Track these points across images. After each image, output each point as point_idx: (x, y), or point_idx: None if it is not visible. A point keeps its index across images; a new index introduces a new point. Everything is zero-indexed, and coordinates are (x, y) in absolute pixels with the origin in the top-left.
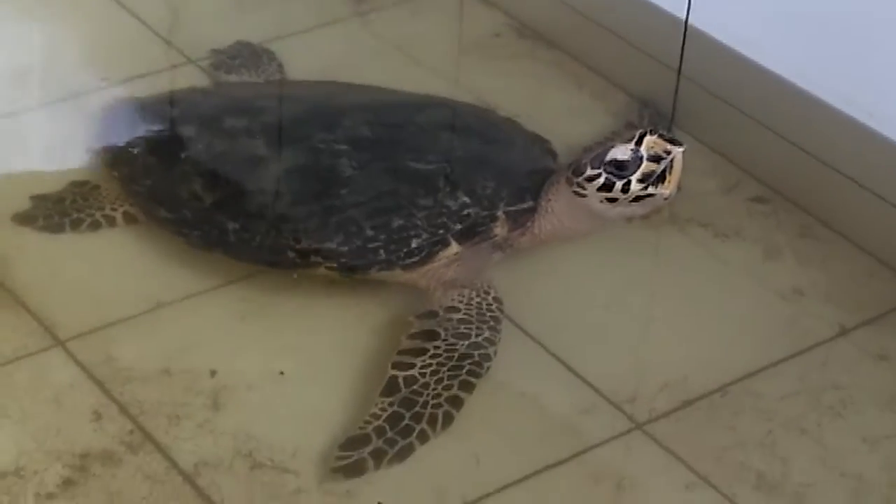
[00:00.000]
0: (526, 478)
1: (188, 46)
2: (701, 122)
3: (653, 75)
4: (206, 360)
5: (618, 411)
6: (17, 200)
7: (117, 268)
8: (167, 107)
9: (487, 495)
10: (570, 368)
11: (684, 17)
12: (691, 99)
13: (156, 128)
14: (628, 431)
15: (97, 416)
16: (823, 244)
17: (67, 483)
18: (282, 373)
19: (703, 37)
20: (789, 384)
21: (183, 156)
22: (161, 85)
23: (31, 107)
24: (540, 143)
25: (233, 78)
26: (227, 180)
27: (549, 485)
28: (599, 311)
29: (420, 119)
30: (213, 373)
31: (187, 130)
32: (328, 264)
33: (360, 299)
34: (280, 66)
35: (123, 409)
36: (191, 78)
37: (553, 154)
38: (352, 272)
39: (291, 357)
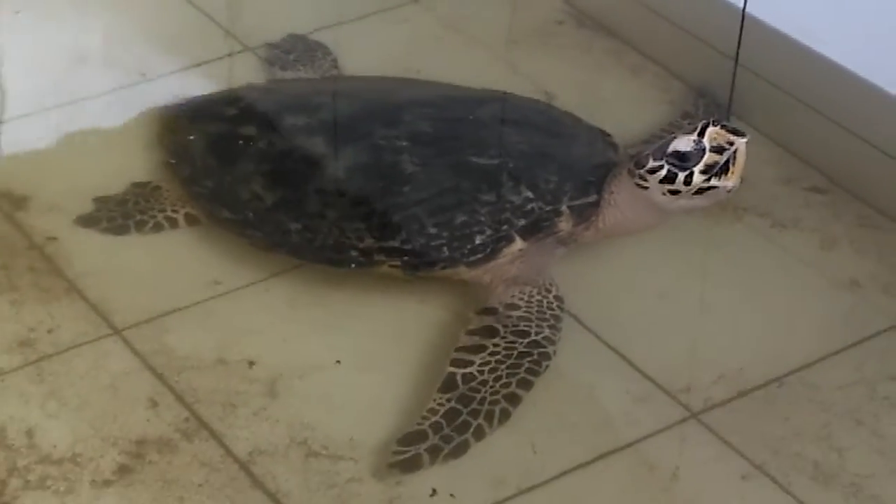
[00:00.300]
0: (581, 466)
1: (246, 34)
2: (758, 112)
3: (710, 64)
4: (261, 348)
5: (673, 401)
6: (80, 199)
7: (173, 258)
8: (225, 106)
9: (543, 483)
10: (625, 358)
11: (742, 5)
12: (748, 88)
13: (215, 127)
14: (684, 420)
15: (153, 404)
16: (881, 234)
17: (123, 470)
18: (338, 362)
19: (760, 25)
20: (846, 375)
21: (243, 156)
22: (220, 73)
23: (89, 96)
24: (601, 136)
25: (288, 74)
26: (287, 180)
27: (604, 473)
28: (655, 302)
29: (480, 114)
30: (265, 362)
31: (247, 130)
32: (392, 262)
33: (416, 292)
34: (335, 60)
35: (179, 397)
36: (248, 67)
37: (615, 146)
38: (415, 270)
39: (347, 347)
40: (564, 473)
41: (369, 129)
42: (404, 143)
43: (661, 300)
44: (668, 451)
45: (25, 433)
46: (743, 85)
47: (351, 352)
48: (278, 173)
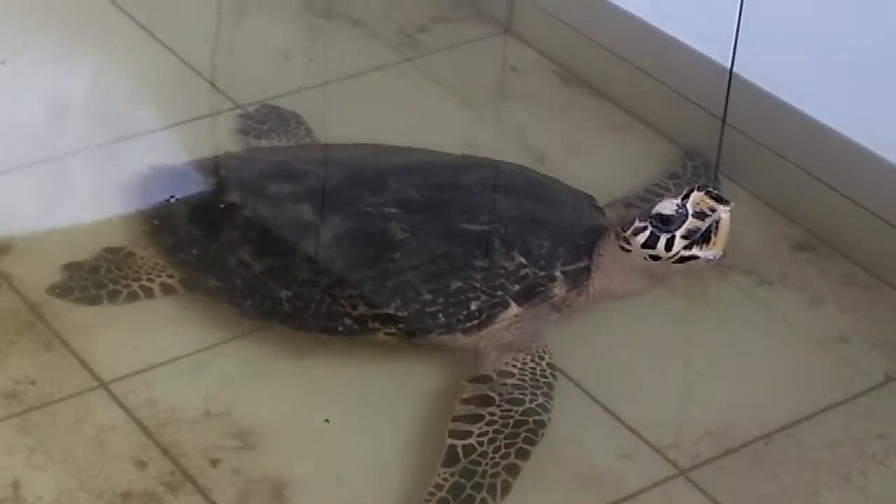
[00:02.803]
0: None
1: (233, 92)
2: (746, 170)
3: (698, 124)
4: (247, 403)
5: (661, 457)
6: (49, 264)
7: (159, 311)
8: (207, 174)
9: None
10: (613, 414)
11: (729, 65)
12: (736, 147)
13: (196, 195)
14: (672, 478)
15: (138, 457)
16: (868, 292)
17: None
18: (326, 420)
19: (747, 85)
20: (833, 433)
21: (228, 223)
22: (204, 131)
23: (68, 152)
24: (587, 200)
25: (263, 142)
26: (276, 247)
27: None
28: (642, 358)
29: (466, 180)
30: (251, 417)
31: (231, 197)
32: (387, 330)
33: (406, 352)
34: (308, 128)
35: (164, 451)
36: (232, 126)
37: (601, 210)
38: (411, 337)
39: (336, 406)
40: None
41: (356, 196)
42: (393, 210)
43: (649, 358)
44: None
45: (11, 485)
46: (731, 144)
47: (339, 411)
48: (265, 241)
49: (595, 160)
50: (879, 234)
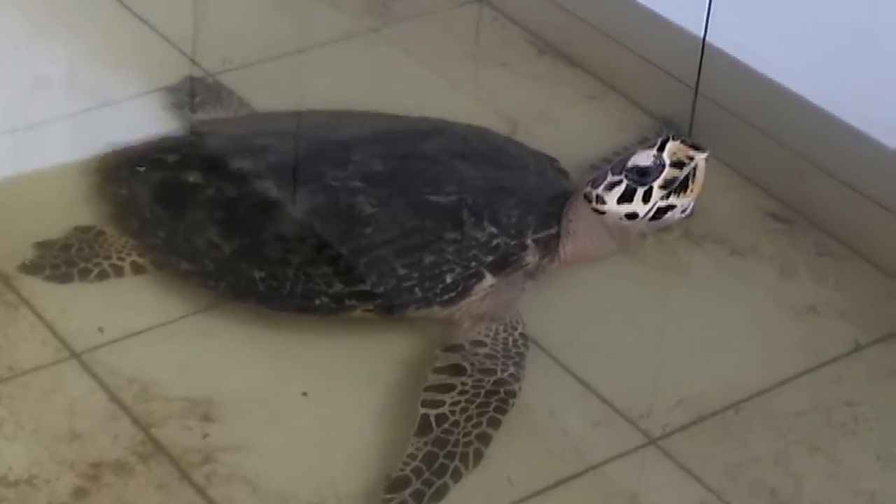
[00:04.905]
0: (539, 492)
1: (206, 59)
2: (718, 140)
3: (670, 93)
4: (221, 374)
5: (631, 426)
6: (20, 236)
7: (131, 285)
8: (165, 152)
9: None
10: (583, 383)
11: (702, 34)
12: (708, 117)
13: (157, 175)
14: (642, 446)
15: (110, 428)
16: (839, 262)
17: (79, 492)
18: (305, 394)
19: (720, 54)
20: (803, 401)
21: (192, 203)
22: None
23: (39, 122)
24: (549, 163)
25: (201, 116)
26: (244, 226)
27: (562, 499)
28: (614, 327)
29: (427, 148)
30: (225, 387)
31: (191, 176)
32: (364, 307)
33: (380, 324)
34: (240, 99)
35: (136, 421)
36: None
37: (565, 173)
38: (389, 313)
39: (309, 377)
40: (523, 499)
41: (319, 171)
42: (358, 184)
43: (620, 326)
44: (627, 477)
45: None
46: (703, 114)
47: (312, 381)
48: (232, 221)
49: (568, 129)
50: (852, 204)
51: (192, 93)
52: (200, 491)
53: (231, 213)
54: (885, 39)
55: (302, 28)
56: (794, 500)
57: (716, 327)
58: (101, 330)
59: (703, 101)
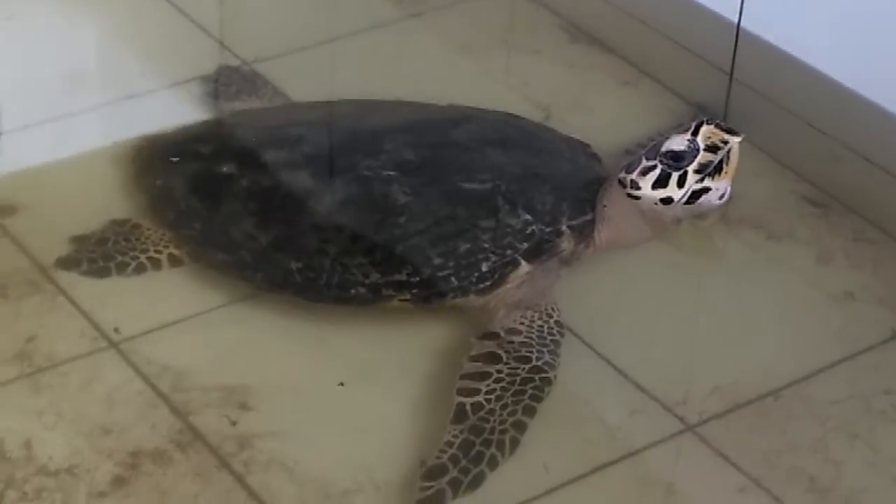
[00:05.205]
0: (576, 479)
1: (240, 48)
2: (753, 125)
3: (705, 78)
4: (258, 363)
5: (669, 413)
6: (58, 226)
7: (169, 275)
8: (200, 143)
9: (535, 498)
10: (619, 370)
11: (737, 20)
12: (743, 102)
13: (192, 166)
14: (679, 433)
15: (148, 417)
16: (876, 247)
17: (119, 481)
18: (342, 384)
19: (755, 40)
20: (841, 389)
21: (228, 195)
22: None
23: (74, 112)
24: (582, 148)
25: (236, 105)
26: (279, 217)
27: (600, 486)
28: (649, 314)
29: (459, 136)
30: (262, 377)
31: (226, 167)
32: (401, 297)
33: (415, 312)
34: (275, 88)
35: (174, 409)
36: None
37: (598, 158)
38: (426, 302)
39: (345, 367)
40: (560, 486)
41: (353, 160)
42: (392, 173)
43: (655, 313)
44: (664, 464)
45: (23, 445)
46: (738, 99)
47: (349, 370)
48: (268, 211)
49: (602, 116)
50: (889, 189)
51: (227, 82)
52: (239, 479)
53: (266, 203)
54: None
55: (334, 16)
56: (833, 487)
57: (752, 313)
58: (136, 320)
59: (737, 87)
